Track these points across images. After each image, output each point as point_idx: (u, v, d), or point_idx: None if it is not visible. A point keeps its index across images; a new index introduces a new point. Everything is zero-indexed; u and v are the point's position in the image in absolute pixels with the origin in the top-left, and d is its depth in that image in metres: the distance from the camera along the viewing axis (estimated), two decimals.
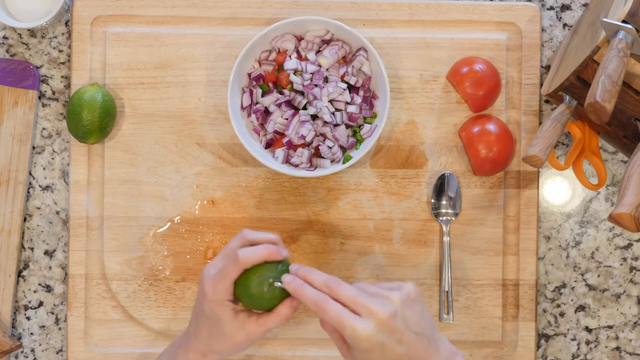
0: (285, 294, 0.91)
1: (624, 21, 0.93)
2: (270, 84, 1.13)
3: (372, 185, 1.15)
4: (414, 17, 1.16)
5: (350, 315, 0.86)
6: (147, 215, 1.15)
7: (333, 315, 0.86)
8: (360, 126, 1.12)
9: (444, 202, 1.15)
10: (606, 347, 1.17)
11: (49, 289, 1.16)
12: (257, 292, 0.91)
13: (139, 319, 1.15)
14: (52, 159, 1.17)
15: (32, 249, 1.16)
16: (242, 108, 1.13)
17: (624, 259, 1.17)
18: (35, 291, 1.16)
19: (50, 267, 1.16)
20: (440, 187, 1.14)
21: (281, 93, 1.12)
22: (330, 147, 1.11)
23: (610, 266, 1.17)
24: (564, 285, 1.17)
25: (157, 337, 1.15)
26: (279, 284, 0.91)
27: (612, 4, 0.99)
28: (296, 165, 1.12)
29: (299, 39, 1.13)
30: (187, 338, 0.97)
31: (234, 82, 1.10)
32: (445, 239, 1.14)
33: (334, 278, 0.89)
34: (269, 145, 1.13)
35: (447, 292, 1.14)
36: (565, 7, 1.18)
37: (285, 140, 1.12)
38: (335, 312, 0.86)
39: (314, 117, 1.12)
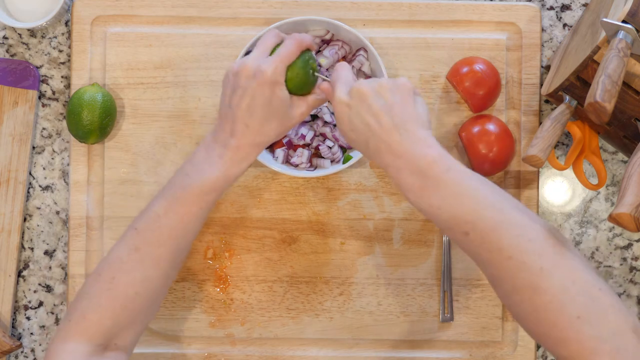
0: (314, 80, 1.00)
1: (624, 21, 0.93)
2: None
3: (372, 185, 1.15)
4: (414, 17, 1.16)
5: (339, 85, 0.96)
6: None
7: (330, 88, 0.98)
8: None
9: None
10: None
11: (49, 289, 1.16)
12: (303, 77, 0.98)
13: None
14: (52, 159, 1.17)
15: (32, 249, 1.16)
16: None
17: (624, 259, 1.17)
18: (35, 291, 1.16)
19: (50, 267, 1.16)
20: None
21: None
22: (330, 147, 1.11)
23: (610, 266, 1.17)
24: None
25: (157, 337, 1.15)
26: (316, 74, 1.00)
27: (612, 4, 0.99)
28: (296, 165, 1.12)
29: None
30: (232, 134, 0.96)
31: None
32: (445, 239, 1.14)
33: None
34: (269, 145, 1.13)
35: (447, 292, 1.14)
36: (565, 7, 1.18)
37: (285, 140, 1.12)
38: (329, 85, 0.98)
39: (314, 117, 1.12)
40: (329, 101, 1.02)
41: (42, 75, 1.17)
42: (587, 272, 0.85)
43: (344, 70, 0.98)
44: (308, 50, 1.00)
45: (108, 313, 0.94)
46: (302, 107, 0.99)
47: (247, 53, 1.10)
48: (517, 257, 0.84)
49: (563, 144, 1.18)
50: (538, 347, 1.16)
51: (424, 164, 0.88)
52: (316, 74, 1.00)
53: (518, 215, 0.87)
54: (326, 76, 1.07)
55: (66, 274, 1.16)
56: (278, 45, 0.99)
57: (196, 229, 0.98)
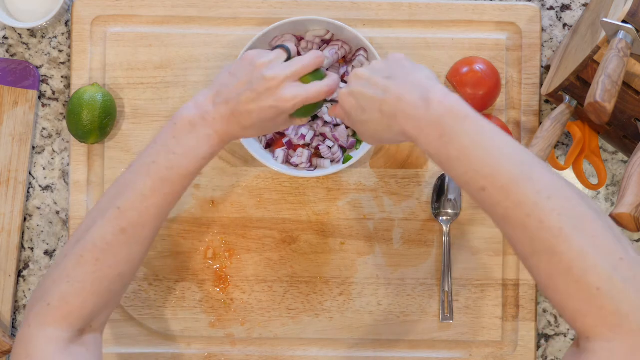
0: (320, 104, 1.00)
1: (624, 21, 0.93)
2: None
3: (372, 185, 1.15)
4: (414, 17, 1.16)
5: (338, 90, 0.99)
6: None
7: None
8: None
9: (444, 202, 1.15)
10: None
11: None
12: (311, 111, 0.98)
13: (139, 319, 1.15)
14: (52, 159, 1.17)
15: (32, 249, 1.16)
16: None
17: None
18: None
19: (50, 267, 1.16)
20: (440, 187, 1.14)
21: None
22: (330, 147, 1.11)
23: None
24: None
25: (157, 337, 1.15)
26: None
27: (612, 4, 0.99)
28: (296, 165, 1.12)
29: (299, 39, 1.13)
30: (223, 120, 0.94)
31: None
32: (445, 239, 1.14)
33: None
34: (269, 145, 1.13)
35: (447, 292, 1.14)
36: (565, 7, 1.18)
37: (285, 140, 1.12)
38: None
39: (314, 117, 1.12)
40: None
41: (42, 75, 1.17)
42: (610, 237, 0.78)
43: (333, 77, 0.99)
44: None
45: (92, 297, 0.91)
46: (294, 123, 1.01)
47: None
48: (535, 214, 0.79)
49: (563, 144, 1.18)
50: (538, 347, 1.16)
51: (442, 110, 0.84)
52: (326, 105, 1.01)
53: (540, 171, 0.82)
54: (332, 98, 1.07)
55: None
56: (315, 70, 0.98)
57: (174, 204, 0.96)
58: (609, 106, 0.88)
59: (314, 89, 0.95)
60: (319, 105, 0.98)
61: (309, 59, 0.96)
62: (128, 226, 0.92)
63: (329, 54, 1.11)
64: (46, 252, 1.17)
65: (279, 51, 0.98)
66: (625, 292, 0.76)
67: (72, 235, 0.95)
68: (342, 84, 1.10)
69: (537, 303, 1.15)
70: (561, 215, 0.78)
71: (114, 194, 0.94)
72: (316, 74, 0.98)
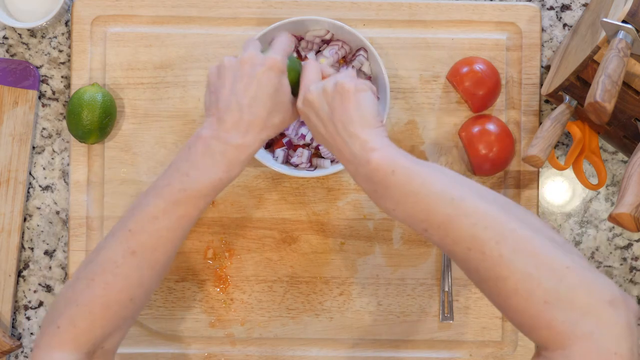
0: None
1: (624, 21, 0.93)
2: None
3: None
4: (414, 17, 1.16)
5: (300, 92, 0.97)
6: None
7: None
8: None
9: None
10: None
11: (49, 289, 1.16)
12: (296, 75, 0.98)
13: (139, 319, 1.15)
14: (52, 159, 1.17)
15: (32, 249, 1.16)
16: None
17: (624, 259, 1.17)
18: (35, 291, 1.16)
19: (50, 267, 1.16)
20: None
21: None
22: None
23: (610, 266, 1.17)
24: None
25: (157, 337, 1.15)
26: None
27: (612, 4, 0.99)
28: (296, 165, 1.12)
29: (299, 39, 1.13)
30: (235, 129, 0.92)
31: None
32: None
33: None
34: (269, 145, 1.13)
35: (447, 292, 1.14)
36: (565, 7, 1.18)
37: (285, 140, 1.12)
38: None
39: None
40: None
41: (42, 75, 1.17)
42: (553, 250, 0.81)
43: (306, 74, 0.97)
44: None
45: (100, 320, 0.90)
46: (298, 103, 0.98)
47: None
48: (475, 247, 0.82)
49: (563, 144, 1.18)
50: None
51: (369, 170, 0.87)
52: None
53: (474, 202, 0.84)
54: None
55: (66, 274, 1.16)
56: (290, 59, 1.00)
57: (190, 228, 0.94)
58: (609, 106, 0.88)
59: (285, 37, 0.98)
60: (299, 77, 0.99)
61: (281, 40, 0.98)
62: (138, 248, 0.90)
63: (329, 54, 1.11)
64: (46, 252, 1.17)
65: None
66: (573, 300, 0.79)
67: (86, 257, 0.94)
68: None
69: None
70: (499, 243, 0.82)
71: (126, 217, 0.93)
72: (291, 59, 0.99)
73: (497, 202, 0.86)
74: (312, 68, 0.97)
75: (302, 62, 0.99)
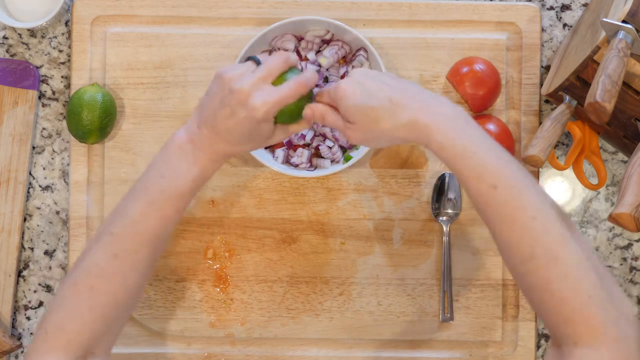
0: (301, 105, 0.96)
1: (624, 21, 0.93)
2: None
3: (372, 185, 1.15)
4: (414, 17, 1.16)
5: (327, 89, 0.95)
6: None
7: (330, 93, 0.96)
8: None
9: (444, 202, 1.15)
10: None
11: (49, 289, 1.16)
12: (295, 115, 0.95)
13: (139, 319, 1.15)
14: (52, 159, 1.17)
15: (32, 249, 1.16)
16: None
17: (624, 259, 1.17)
18: (35, 291, 1.16)
19: (50, 267, 1.16)
20: (440, 187, 1.14)
21: None
22: (330, 147, 1.11)
23: (610, 266, 1.17)
24: None
25: (157, 337, 1.15)
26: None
27: (612, 4, 0.99)
28: (296, 165, 1.12)
29: (299, 39, 1.13)
30: (209, 140, 0.93)
31: None
32: (445, 239, 1.14)
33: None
34: (269, 145, 1.13)
35: (447, 292, 1.14)
36: (565, 7, 1.18)
37: (285, 140, 1.12)
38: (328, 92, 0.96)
39: None
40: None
41: (42, 75, 1.17)
42: (593, 252, 0.86)
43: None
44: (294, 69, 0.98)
45: (88, 324, 0.91)
46: (281, 135, 0.98)
47: (247, 53, 1.10)
48: (541, 218, 0.84)
49: (563, 144, 1.18)
50: (538, 347, 1.16)
51: (456, 110, 0.89)
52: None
53: (536, 185, 0.88)
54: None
55: (66, 274, 1.16)
56: (291, 71, 0.95)
57: (171, 231, 0.96)
58: (609, 106, 0.88)
59: (285, 88, 0.92)
60: (302, 105, 0.95)
61: (274, 61, 0.94)
62: (120, 251, 0.92)
63: (329, 54, 1.11)
64: (46, 252, 1.17)
65: (248, 63, 0.95)
66: (612, 301, 0.82)
67: (73, 263, 0.95)
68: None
69: None
70: (562, 223, 0.84)
71: (108, 220, 0.95)
72: (293, 75, 0.95)
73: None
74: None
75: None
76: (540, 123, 1.16)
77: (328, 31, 1.12)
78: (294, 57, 0.96)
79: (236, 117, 0.92)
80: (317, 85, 1.11)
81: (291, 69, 0.95)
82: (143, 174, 0.95)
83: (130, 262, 0.92)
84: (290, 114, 0.95)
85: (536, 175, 1.16)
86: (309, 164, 1.12)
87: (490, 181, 0.85)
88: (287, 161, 1.12)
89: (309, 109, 0.95)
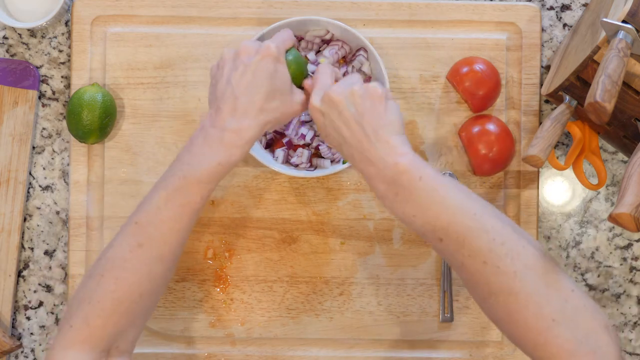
0: (306, 75, 1.02)
1: (624, 21, 0.93)
2: None
3: None
4: (414, 17, 1.16)
5: (315, 91, 0.97)
6: None
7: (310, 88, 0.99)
8: None
9: None
10: None
11: (49, 289, 1.16)
12: (298, 67, 1.00)
13: None
14: (52, 159, 1.17)
15: (32, 249, 1.16)
16: None
17: (624, 259, 1.17)
18: (35, 291, 1.16)
19: (50, 267, 1.16)
20: None
21: None
22: (330, 147, 1.11)
23: (610, 266, 1.17)
24: None
25: (157, 337, 1.15)
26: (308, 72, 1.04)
27: (612, 4, 0.99)
28: (296, 165, 1.12)
29: (299, 39, 1.13)
30: (232, 114, 0.93)
31: None
32: None
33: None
34: (269, 145, 1.13)
35: (447, 292, 1.14)
36: (565, 7, 1.18)
37: (285, 140, 1.12)
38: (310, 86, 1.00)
39: None
40: None
41: (42, 75, 1.17)
42: (560, 274, 0.86)
43: (322, 75, 0.98)
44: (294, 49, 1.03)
45: (113, 318, 0.90)
46: (300, 95, 0.99)
47: None
48: (491, 261, 0.85)
49: (563, 144, 1.18)
50: None
51: (396, 173, 0.89)
52: (308, 72, 1.03)
53: (491, 220, 0.87)
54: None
55: (66, 274, 1.16)
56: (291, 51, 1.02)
57: (195, 219, 0.95)
58: (609, 106, 0.88)
59: (285, 31, 1.00)
60: (302, 70, 1.01)
61: (285, 34, 1.00)
62: (145, 240, 0.91)
63: (329, 54, 1.11)
64: (46, 252, 1.17)
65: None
66: (578, 321, 0.83)
67: (99, 254, 0.95)
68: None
69: None
70: (514, 259, 0.85)
71: (135, 211, 0.94)
72: (292, 53, 1.01)
73: (507, 221, 0.90)
74: (328, 69, 0.99)
75: (318, 65, 1.02)
76: (540, 123, 1.16)
77: (328, 31, 1.12)
78: (288, 33, 1.01)
79: (252, 66, 0.94)
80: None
81: (289, 49, 1.01)
82: (170, 165, 0.96)
83: (155, 251, 0.91)
84: (295, 69, 1.00)
85: (536, 175, 1.16)
86: (309, 164, 1.12)
87: (435, 236, 0.88)
88: (287, 161, 1.12)
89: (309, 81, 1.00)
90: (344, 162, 1.10)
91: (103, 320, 0.90)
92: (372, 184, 0.91)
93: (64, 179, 1.17)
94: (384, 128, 0.92)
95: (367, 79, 1.12)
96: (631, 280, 1.17)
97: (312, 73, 1.10)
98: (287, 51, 1.01)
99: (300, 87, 1.02)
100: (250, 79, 0.94)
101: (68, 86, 1.18)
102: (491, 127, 1.12)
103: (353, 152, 0.93)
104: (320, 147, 1.11)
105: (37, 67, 1.17)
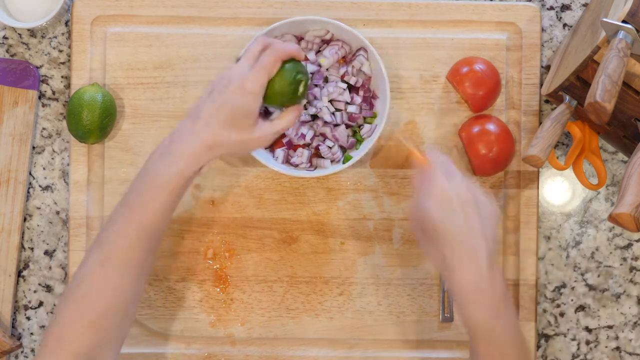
0: (298, 93, 1.01)
1: (624, 21, 0.93)
2: None
3: (372, 185, 1.15)
4: (414, 17, 1.16)
5: (440, 168, 0.96)
6: None
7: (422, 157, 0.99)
8: (360, 126, 1.12)
9: None
10: (606, 347, 1.17)
11: (49, 289, 1.16)
12: (284, 89, 1.00)
13: (139, 319, 1.15)
14: (52, 159, 1.17)
15: (32, 249, 1.16)
16: None
17: (624, 259, 1.17)
18: (35, 291, 1.16)
19: (50, 267, 1.16)
20: None
21: None
22: (330, 147, 1.11)
23: (610, 266, 1.17)
24: (564, 285, 1.17)
25: (157, 337, 1.15)
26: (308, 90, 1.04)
27: (612, 4, 0.99)
28: (296, 165, 1.12)
29: (299, 39, 1.13)
30: (191, 131, 0.96)
31: None
32: None
33: None
34: (269, 145, 1.13)
35: (447, 292, 1.14)
36: (565, 7, 1.18)
37: (285, 140, 1.12)
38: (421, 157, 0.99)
39: (314, 117, 1.12)
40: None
41: (42, 75, 1.17)
42: None
43: (443, 157, 0.98)
44: (295, 60, 1.02)
45: (84, 333, 0.92)
46: (265, 129, 1.00)
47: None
48: None
49: (563, 144, 1.18)
50: (538, 347, 1.16)
51: (502, 291, 0.92)
52: (307, 87, 1.03)
53: None
54: (314, 84, 1.09)
55: (66, 274, 1.16)
56: (291, 63, 1.02)
57: (158, 234, 0.97)
58: (609, 106, 0.88)
59: (264, 57, 0.98)
60: (291, 89, 1.00)
61: (268, 58, 0.98)
62: (107, 256, 0.94)
63: (329, 54, 1.11)
64: (46, 252, 1.17)
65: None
66: None
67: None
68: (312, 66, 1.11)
69: (537, 303, 1.15)
70: None
71: (103, 224, 0.97)
72: (294, 66, 1.01)
73: None
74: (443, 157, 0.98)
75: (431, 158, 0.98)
76: (540, 123, 1.16)
77: (328, 31, 1.12)
78: (290, 48, 1.00)
79: (224, 95, 0.95)
80: (315, 86, 1.11)
81: (290, 60, 1.00)
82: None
83: (116, 268, 0.93)
84: (281, 92, 0.99)
85: (536, 175, 1.16)
86: (309, 164, 1.11)
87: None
88: (287, 161, 1.12)
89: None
90: (344, 162, 1.10)
91: (75, 336, 0.91)
92: (470, 297, 0.92)
93: (64, 179, 1.17)
94: (494, 246, 0.94)
95: (367, 78, 1.12)
96: (631, 280, 1.17)
97: (312, 74, 1.10)
98: (286, 62, 1.01)
99: (286, 104, 1.02)
100: (218, 105, 0.96)
101: (68, 86, 1.18)
102: (491, 127, 1.12)
103: (454, 266, 0.92)
104: (320, 147, 1.11)
105: (37, 67, 1.17)
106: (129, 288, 0.94)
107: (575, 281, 1.17)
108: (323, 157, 1.12)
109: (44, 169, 1.17)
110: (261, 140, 1.00)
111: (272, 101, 1.02)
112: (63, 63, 1.18)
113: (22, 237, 1.16)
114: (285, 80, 1.01)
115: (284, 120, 1.03)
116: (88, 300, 0.92)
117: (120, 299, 0.94)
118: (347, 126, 1.12)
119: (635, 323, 1.17)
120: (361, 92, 1.11)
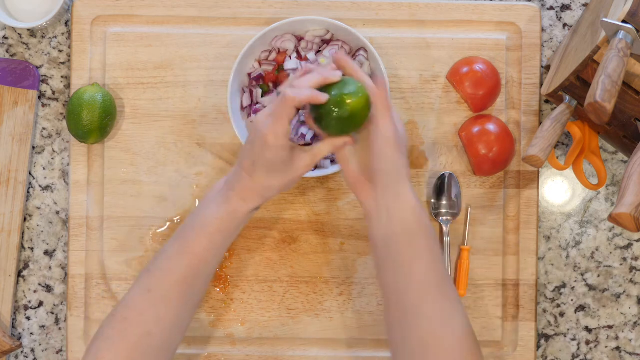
0: (363, 111, 0.96)
1: (624, 21, 0.93)
2: (270, 84, 1.13)
3: None
4: (414, 17, 1.16)
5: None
6: (147, 215, 1.15)
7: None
8: None
9: (444, 202, 1.14)
10: (606, 347, 1.17)
11: (49, 289, 1.16)
12: (350, 130, 0.97)
13: None
14: (52, 159, 1.17)
15: (32, 249, 1.16)
16: (242, 108, 1.13)
17: (624, 259, 1.17)
18: (35, 291, 1.16)
19: (50, 267, 1.16)
20: (440, 187, 1.14)
21: None
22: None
23: (610, 266, 1.17)
24: (564, 285, 1.17)
25: None
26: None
27: (612, 4, 0.99)
28: None
29: (299, 39, 1.13)
30: (239, 181, 0.99)
31: (234, 82, 1.10)
32: (446, 239, 1.14)
33: None
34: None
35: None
36: (565, 7, 1.18)
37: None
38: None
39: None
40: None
41: (42, 75, 1.17)
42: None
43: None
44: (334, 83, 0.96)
45: (121, 352, 0.95)
46: (305, 159, 0.98)
47: (247, 53, 1.10)
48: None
49: (563, 144, 1.18)
50: (538, 347, 1.16)
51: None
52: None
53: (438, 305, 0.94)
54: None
55: (66, 274, 1.16)
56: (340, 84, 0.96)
57: (207, 270, 1.00)
58: (609, 106, 0.88)
59: (276, 107, 0.96)
60: (344, 113, 0.94)
61: (279, 109, 0.95)
62: (153, 286, 0.98)
63: (329, 54, 1.11)
64: (46, 252, 1.17)
65: (272, 97, 1.05)
66: None
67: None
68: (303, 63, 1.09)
69: (537, 303, 1.15)
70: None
71: (150, 261, 1.01)
72: (342, 85, 0.95)
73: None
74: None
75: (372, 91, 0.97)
76: (540, 123, 1.16)
77: (328, 31, 1.12)
78: (327, 76, 0.96)
79: (255, 149, 0.96)
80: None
81: (339, 83, 0.95)
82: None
83: (161, 296, 0.97)
84: (343, 131, 0.97)
85: (536, 175, 1.16)
86: None
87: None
88: None
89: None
90: None
91: (112, 353, 0.95)
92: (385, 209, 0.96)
93: (64, 179, 1.17)
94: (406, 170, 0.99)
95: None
96: (631, 280, 1.17)
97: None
98: (330, 86, 0.95)
99: (350, 130, 0.98)
100: (254, 159, 0.97)
101: (68, 86, 1.18)
102: (491, 127, 1.12)
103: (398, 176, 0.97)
104: None
105: (37, 67, 1.17)
106: (172, 319, 0.98)
107: (575, 281, 1.17)
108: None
109: (44, 169, 1.17)
110: (305, 171, 0.99)
111: (328, 129, 0.98)
112: (63, 63, 1.18)
113: (22, 237, 1.16)
114: (355, 123, 0.96)
115: (326, 147, 0.99)
116: (130, 324, 0.96)
117: (162, 327, 0.97)
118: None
119: (635, 323, 1.17)
120: None
